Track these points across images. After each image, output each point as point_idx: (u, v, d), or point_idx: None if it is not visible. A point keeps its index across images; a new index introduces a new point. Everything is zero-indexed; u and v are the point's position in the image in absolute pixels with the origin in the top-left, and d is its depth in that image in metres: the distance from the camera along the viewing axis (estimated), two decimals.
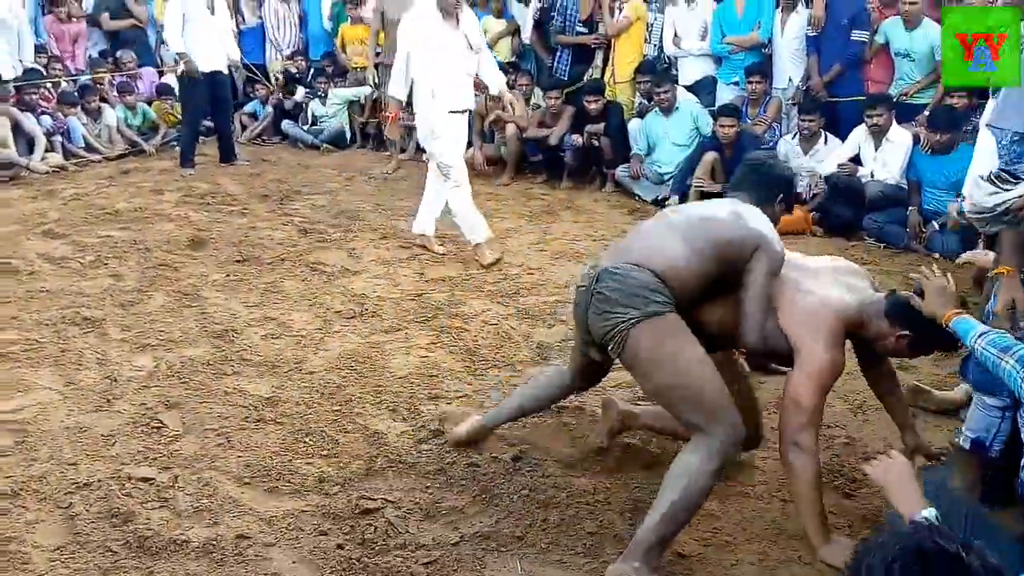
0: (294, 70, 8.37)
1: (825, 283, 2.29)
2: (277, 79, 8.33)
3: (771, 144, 5.88)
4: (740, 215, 2.30)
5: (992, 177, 1.83)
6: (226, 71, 6.92)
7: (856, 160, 5.40)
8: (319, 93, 8.01)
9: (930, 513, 1.54)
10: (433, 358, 3.43)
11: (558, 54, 7.12)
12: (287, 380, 3.21)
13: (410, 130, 7.41)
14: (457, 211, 4.72)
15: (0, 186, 6.30)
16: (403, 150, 7.38)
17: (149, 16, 8.42)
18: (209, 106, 6.89)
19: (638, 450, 2.72)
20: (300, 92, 8.19)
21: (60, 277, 4.31)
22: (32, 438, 2.72)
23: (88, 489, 2.43)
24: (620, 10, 6.61)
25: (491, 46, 7.60)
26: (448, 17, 4.49)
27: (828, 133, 5.69)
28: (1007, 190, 1.80)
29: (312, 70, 8.26)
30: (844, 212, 5.32)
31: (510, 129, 6.79)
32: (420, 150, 7.16)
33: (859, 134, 5.41)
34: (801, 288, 2.27)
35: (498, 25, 7.61)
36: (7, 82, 6.82)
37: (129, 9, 8.27)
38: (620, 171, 6.36)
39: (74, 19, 7.93)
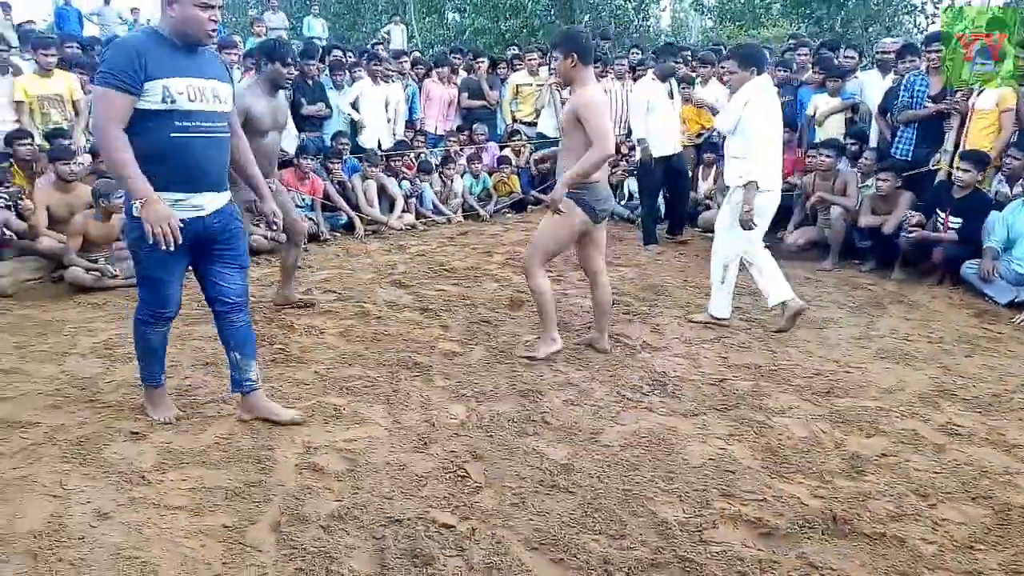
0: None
1: None
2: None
3: None
4: None
5: None
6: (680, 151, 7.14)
7: None
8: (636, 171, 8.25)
9: None
10: (731, 451, 3.26)
11: (900, 133, 6.58)
12: (582, 449, 3.26)
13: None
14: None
15: (366, 238, 7.39)
16: None
17: (498, 99, 9.44)
18: (665, 185, 7.21)
19: None
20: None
21: (400, 323, 4.89)
22: (360, 468, 3.07)
23: (398, 525, 2.66)
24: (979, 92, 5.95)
25: (819, 124, 7.30)
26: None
27: None
28: None
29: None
30: None
31: (835, 211, 6.37)
32: None
33: None
34: None
35: (830, 103, 7.28)
36: (381, 152, 8.03)
37: (484, 92, 9.34)
38: (967, 267, 5.61)
39: (451, 84, 9.18)
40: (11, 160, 6.15)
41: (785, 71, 7.94)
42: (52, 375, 3.93)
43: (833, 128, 7.27)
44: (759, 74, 4.61)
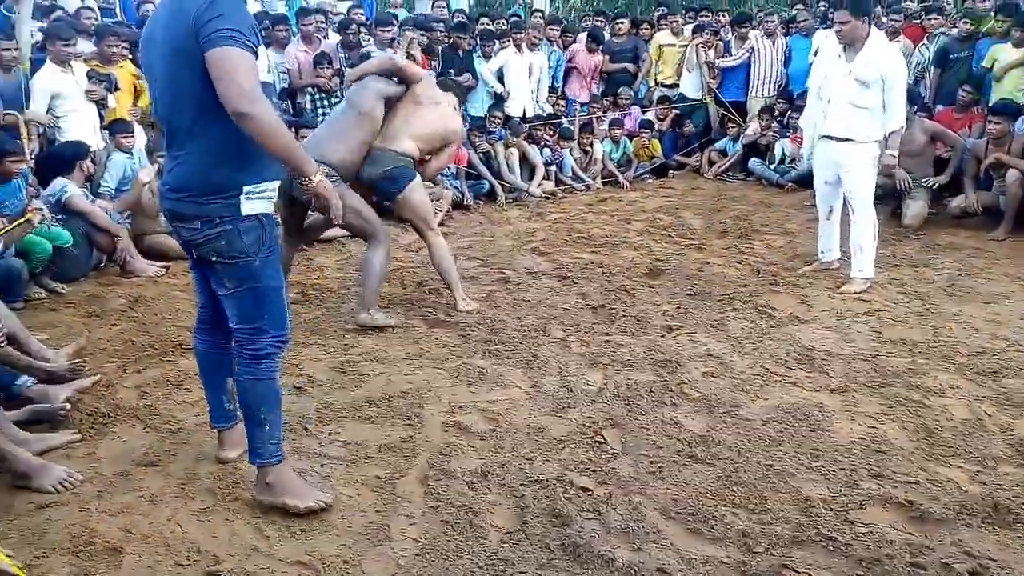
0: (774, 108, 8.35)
1: None
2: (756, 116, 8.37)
3: None
4: None
5: None
6: None
7: None
8: (788, 133, 7.87)
9: None
10: (882, 431, 3.12)
11: None
12: (722, 422, 3.23)
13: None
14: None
15: (507, 206, 7.50)
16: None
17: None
18: None
19: None
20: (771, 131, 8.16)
21: (539, 290, 4.96)
22: (501, 428, 3.18)
23: (538, 485, 2.75)
24: None
25: (998, 79, 6.66)
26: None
27: None
28: None
29: (789, 107, 8.14)
30: None
31: (1011, 175, 5.83)
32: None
33: None
34: None
35: (1015, 54, 6.62)
36: (526, 120, 8.08)
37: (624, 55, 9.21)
38: None
39: (595, 53, 9.06)
40: None
41: (970, 24, 7.22)
42: None
43: (1012, 85, 6.60)
44: (870, 23, 4.55)
